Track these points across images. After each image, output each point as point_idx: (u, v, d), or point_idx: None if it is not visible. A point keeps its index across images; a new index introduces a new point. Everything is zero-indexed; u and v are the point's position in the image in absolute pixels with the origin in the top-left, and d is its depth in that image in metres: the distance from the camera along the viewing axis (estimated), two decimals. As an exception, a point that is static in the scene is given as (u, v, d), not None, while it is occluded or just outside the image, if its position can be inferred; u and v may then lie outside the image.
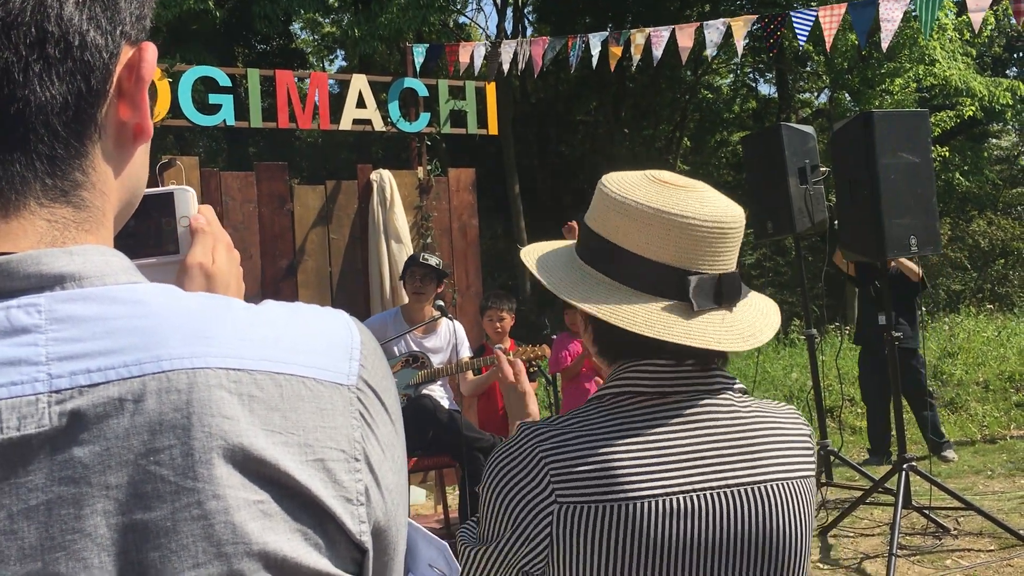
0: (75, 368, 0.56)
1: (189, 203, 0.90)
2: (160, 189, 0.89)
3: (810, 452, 1.27)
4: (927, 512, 5.62)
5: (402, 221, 6.22)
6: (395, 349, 5.20)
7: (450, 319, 5.28)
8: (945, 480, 6.31)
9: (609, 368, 1.27)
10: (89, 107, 0.63)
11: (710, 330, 1.20)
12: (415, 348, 5.21)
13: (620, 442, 1.16)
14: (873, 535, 5.68)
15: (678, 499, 1.15)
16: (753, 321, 1.26)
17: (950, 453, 7.75)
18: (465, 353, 5.32)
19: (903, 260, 7.19)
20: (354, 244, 6.24)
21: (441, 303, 5.09)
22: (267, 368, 0.60)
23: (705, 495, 1.16)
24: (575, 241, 1.36)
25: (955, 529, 5.58)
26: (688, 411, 1.20)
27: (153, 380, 0.57)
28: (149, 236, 0.89)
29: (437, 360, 5.23)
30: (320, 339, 0.65)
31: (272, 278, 5.95)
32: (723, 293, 1.22)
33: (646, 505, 1.14)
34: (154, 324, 0.59)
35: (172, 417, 0.56)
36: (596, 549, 1.13)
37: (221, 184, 5.81)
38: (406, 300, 5.39)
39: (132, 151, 0.68)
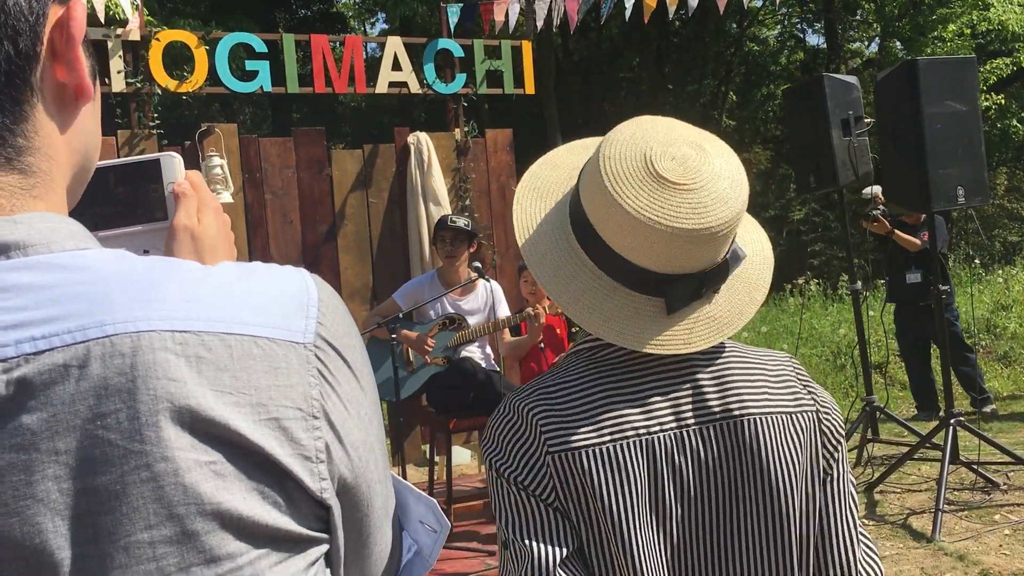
0: (20, 336, 0.57)
1: (176, 169, 0.90)
2: (146, 156, 0.90)
3: (795, 388, 1.25)
4: (975, 467, 5.54)
5: (440, 183, 6.22)
6: (432, 312, 5.23)
7: (487, 280, 5.29)
8: (995, 435, 6.21)
9: None
10: (20, 71, 0.63)
11: (681, 331, 1.19)
12: (452, 310, 5.23)
13: (599, 389, 1.19)
14: (920, 491, 5.62)
15: (659, 438, 1.17)
16: (732, 305, 1.23)
17: (991, 408, 7.62)
18: (503, 313, 5.32)
19: (898, 233, 7.16)
20: (392, 208, 6.26)
21: (478, 264, 5.09)
22: (215, 329, 0.60)
23: (683, 432, 1.18)
24: (572, 188, 1.29)
25: (1004, 484, 5.50)
26: (662, 357, 1.21)
27: (97, 345, 0.57)
28: (137, 204, 0.89)
29: (474, 321, 5.24)
30: (274, 298, 0.64)
31: (312, 243, 6.00)
32: (704, 290, 1.21)
33: (629, 445, 1.16)
34: (99, 289, 0.59)
35: (117, 381, 0.56)
36: (590, 494, 1.15)
37: (260, 150, 5.86)
38: (442, 263, 5.41)
39: (75, 112, 0.68)
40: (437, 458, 5.79)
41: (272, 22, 19.60)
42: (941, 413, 6.60)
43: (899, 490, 5.69)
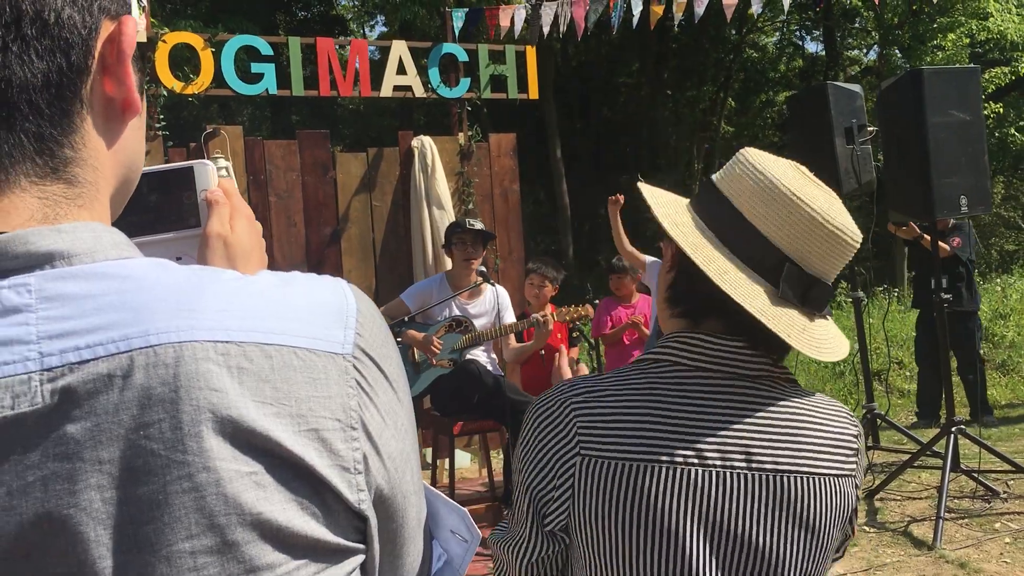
0: (65, 346, 0.57)
1: (209, 176, 0.90)
2: (179, 164, 0.90)
3: (850, 452, 1.23)
4: (976, 475, 5.56)
5: (444, 187, 6.23)
6: (439, 314, 5.24)
7: (493, 285, 5.30)
8: (995, 443, 6.23)
9: (666, 318, 1.29)
10: (71, 83, 0.63)
11: (784, 321, 1.19)
12: (459, 313, 5.24)
13: (650, 406, 1.18)
14: (920, 498, 5.64)
15: (698, 471, 1.15)
16: (827, 336, 1.24)
17: (989, 418, 7.64)
18: (508, 318, 5.34)
19: (927, 238, 7.13)
20: (396, 211, 6.27)
21: (483, 268, 5.10)
22: (256, 339, 0.60)
23: (726, 473, 1.16)
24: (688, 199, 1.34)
25: (1005, 492, 5.52)
26: (723, 389, 1.19)
27: (141, 355, 0.57)
28: (170, 211, 0.90)
29: (480, 325, 5.25)
30: (313, 308, 0.65)
31: (317, 246, 6.01)
32: (810, 297, 1.21)
33: (663, 471, 1.15)
34: (142, 299, 0.60)
35: (160, 391, 0.57)
36: (611, 506, 1.15)
37: (264, 153, 5.86)
38: (449, 266, 5.41)
39: (122, 126, 0.69)
40: (439, 462, 5.80)
41: (272, 24, 19.61)
42: (942, 422, 6.62)
43: (899, 497, 5.71)
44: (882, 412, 6.21)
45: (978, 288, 7.80)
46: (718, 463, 1.16)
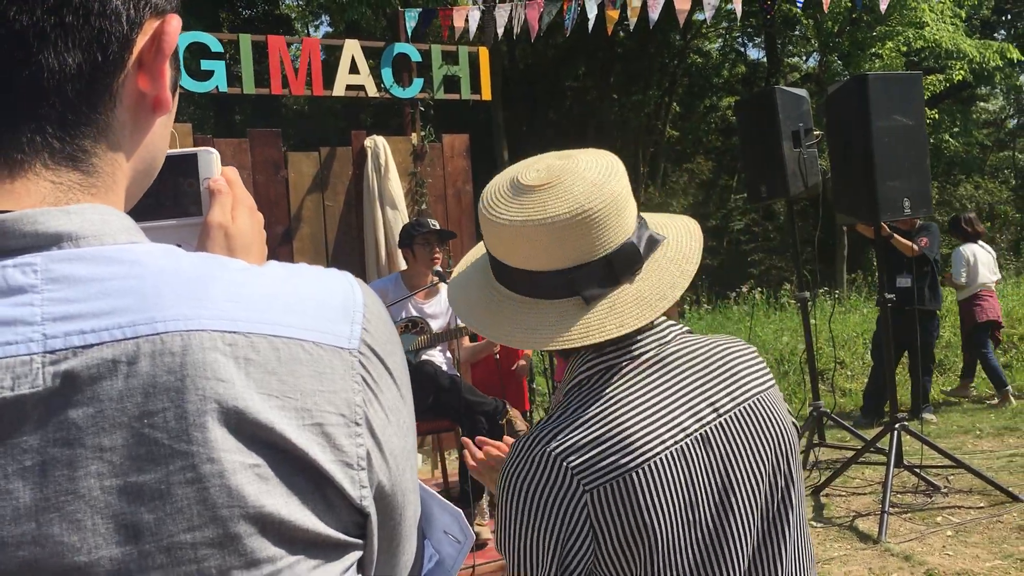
0: (69, 329, 0.56)
1: (212, 165, 0.89)
2: (184, 151, 0.89)
3: (764, 365, 1.33)
4: (918, 471, 5.71)
5: (397, 187, 6.21)
6: (395, 315, 5.22)
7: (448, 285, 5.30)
8: (935, 439, 6.41)
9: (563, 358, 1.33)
10: (105, 76, 0.63)
11: (610, 318, 1.21)
12: (415, 314, 5.23)
13: (618, 414, 1.20)
14: (865, 494, 5.78)
15: (684, 444, 1.20)
16: (661, 282, 1.24)
17: (929, 415, 7.85)
18: (462, 318, 5.34)
19: (897, 237, 7.31)
20: (349, 210, 6.23)
21: (439, 269, 5.10)
22: (264, 331, 0.60)
23: (705, 431, 1.22)
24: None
25: (946, 487, 5.69)
26: (663, 364, 1.25)
27: (147, 342, 0.56)
28: (172, 197, 0.89)
29: (436, 325, 5.25)
30: (321, 301, 0.64)
31: (268, 245, 5.93)
32: (616, 272, 1.22)
33: (660, 462, 1.18)
34: (149, 285, 0.59)
35: (166, 380, 0.56)
36: (632, 519, 1.16)
37: (215, 151, 5.79)
38: (403, 266, 5.39)
39: (150, 122, 0.68)
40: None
41: (216, 22, 19.34)
42: (885, 419, 6.78)
43: (845, 493, 5.84)
44: (828, 410, 6.34)
45: (941, 288, 8.02)
46: (695, 426, 1.21)
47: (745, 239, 22.50)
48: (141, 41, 0.64)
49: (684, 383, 1.23)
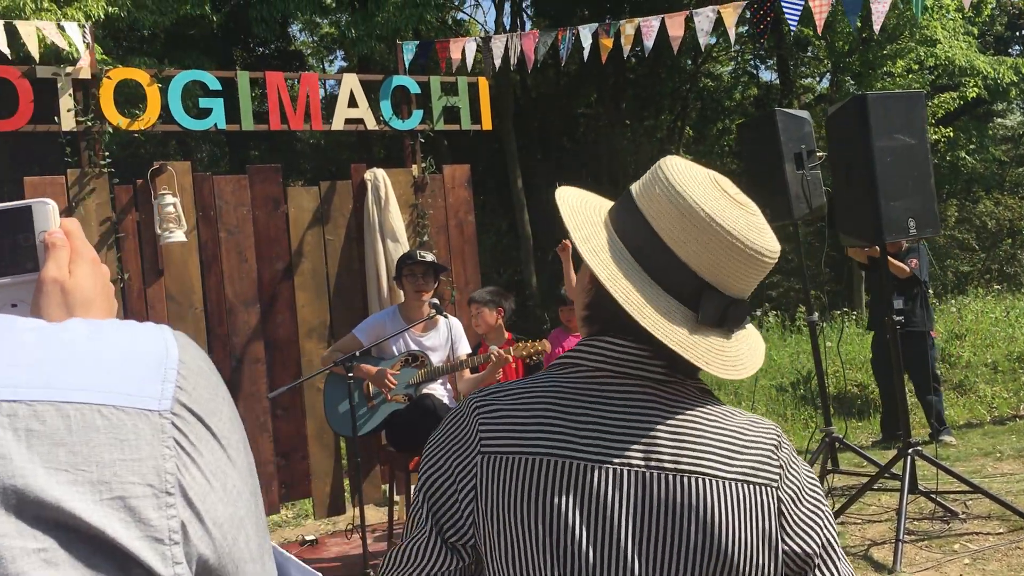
0: None
1: (49, 217, 0.84)
2: (16, 204, 0.84)
3: (766, 460, 1.18)
4: (934, 496, 5.57)
5: (398, 220, 6.19)
6: (394, 348, 5.18)
7: (446, 316, 5.26)
8: (953, 463, 6.27)
9: (585, 334, 1.28)
10: None
11: (703, 347, 1.19)
12: (414, 347, 5.18)
13: (551, 404, 1.19)
14: (881, 521, 5.64)
15: (593, 467, 1.14)
16: (743, 353, 1.24)
17: (949, 437, 7.71)
18: (463, 350, 5.29)
19: (891, 259, 7.25)
20: (350, 244, 6.21)
21: (436, 301, 5.06)
22: (51, 397, 0.55)
23: (624, 471, 1.14)
24: (610, 204, 1.33)
25: (963, 513, 5.54)
26: (626, 391, 1.19)
27: None
28: (7, 253, 0.83)
29: (436, 358, 5.20)
30: (126, 360, 0.59)
31: (269, 281, 5.93)
32: (728, 316, 1.21)
33: (561, 465, 1.14)
34: None
35: None
36: (510, 502, 1.14)
37: (214, 188, 5.79)
38: (403, 299, 5.36)
39: None
40: (397, 497, 5.71)
41: (230, 60, 19.55)
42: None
43: (860, 521, 5.71)
44: (840, 435, 6.22)
45: (933, 309, 7.93)
46: (616, 460, 1.15)
47: (763, 262, 22.35)
48: None
49: (635, 419, 1.17)
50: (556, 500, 1.13)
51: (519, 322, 5.41)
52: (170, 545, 0.57)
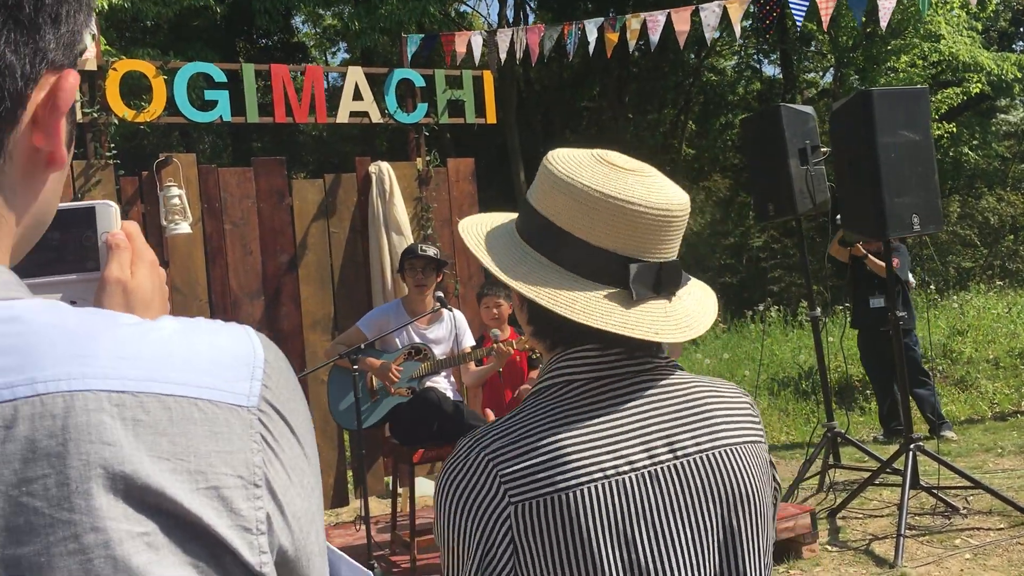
0: None
1: (111, 218, 0.87)
2: (81, 204, 0.87)
3: (754, 419, 1.27)
4: (936, 492, 5.59)
5: (402, 213, 6.20)
6: (397, 341, 5.20)
7: (450, 309, 5.27)
8: (954, 459, 6.28)
9: (545, 351, 1.26)
10: None
11: (647, 320, 1.18)
12: (417, 339, 5.20)
13: (562, 431, 1.15)
14: (882, 516, 5.66)
15: (629, 478, 1.14)
16: (691, 311, 1.23)
17: (949, 433, 7.73)
18: (467, 342, 5.31)
19: (871, 257, 7.29)
20: (354, 237, 6.23)
21: (441, 294, 5.08)
22: (154, 390, 0.57)
23: (656, 470, 1.16)
24: (515, 216, 1.32)
25: (964, 508, 5.56)
26: (627, 392, 1.19)
27: (26, 404, 0.54)
28: (69, 252, 0.86)
29: (439, 351, 5.22)
30: (217, 357, 0.61)
31: (273, 274, 5.94)
32: (663, 282, 1.20)
33: (597, 488, 1.12)
34: (30, 343, 0.56)
35: (46, 444, 0.53)
36: (557, 541, 1.11)
37: (219, 180, 5.81)
38: (407, 292, 5.38)
39: (43, 178, 0.66)
40: (400, 490, 5.73)
41: (233, 51, 19.55)
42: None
43: (861, 516, 5.73)
44: (842, 431, 6.24)
45: (915, 307, 7.96)
46: (646, 462, 1.15)
47: (764, 256, 22.34)
48: (37, 96, 0.62)
49: (647, 416, 1.18)
50: (603, 526, 1.12)
51: (512, 310, 5.43)
52: (257, 535, 0.59)
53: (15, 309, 0.58)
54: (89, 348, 0.57)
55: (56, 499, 0.53)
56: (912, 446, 5.32)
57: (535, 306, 1.21)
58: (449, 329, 5.29)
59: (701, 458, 1.18)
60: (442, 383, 5.26)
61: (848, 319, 7.93)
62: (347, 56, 24.43)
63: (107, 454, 0.54)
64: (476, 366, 5.33)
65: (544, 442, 1.14)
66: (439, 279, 5.24)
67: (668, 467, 1.16)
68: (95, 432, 0.54)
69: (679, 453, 1.17)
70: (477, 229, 1.31)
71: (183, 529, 0.56)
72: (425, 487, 6.62)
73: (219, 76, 5.93)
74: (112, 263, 0.84)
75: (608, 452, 1.14)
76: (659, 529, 1.15)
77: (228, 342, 0.63)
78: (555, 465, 1.12)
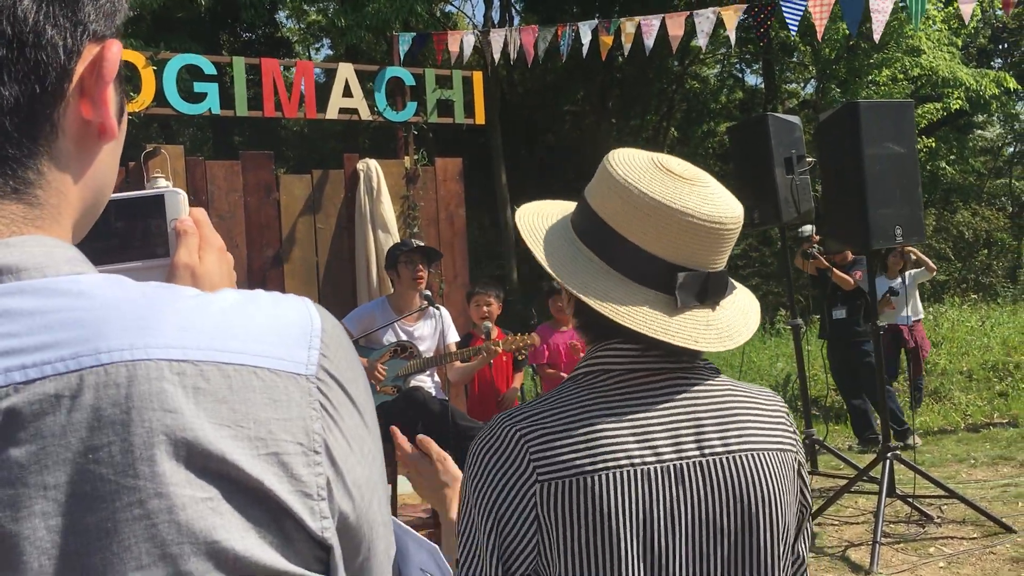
0: (10, 364, 0.54)
1: (180, 206, 0.89)
2: (150, 191, 0.89)
3: (787, 428, 1.28)
4: (911, 500, 5.66)
5: (389, 210, 6.20)
6: (384, 338, 5.20)
7: (437, 308, 5.28)
8: (928, 469, 6.36)
9: (588, 343, 1.29)
10: (44, 107, 0.61)
11: (689, 327, 1.20)
12: (403, 336, 5.20)
13: (595, 417, 1.18)
14: (858, 523, 5.73)
15: (654, 468, 1.17)
16: (733, 321, 1.26)
17: (912, 439, 7.83)
18: (452, 338, 5.32)
19: (836, 271, 7.43)
20: (341, 233, 6.22)
21: (428, 292, 5.08)
22: (214, 358, 0.58)
23: (681, 464, 1.18)
24: (569, 209, 1.34)
25: (939, 517, 5.63)
26: (662, 386, 1.22)
27: (91, 374, 0.55)
28: (138, 239, 0.88)
29: (425, 347, 5.22)
30: (276, 327, 0.62)
31: (259, 268, 5.92)
32: (708, 291, 1.23)
33: (622, 475, 1.15)
34: (94, 316, 0.57)
35: (111, 412, 0.54)
36: (581, 522, 1.14)
37: (207, 173, 5.78)
38: (392, 290, 5.38)
39: (96, 150, 0.67)
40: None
41: (217, 44, 19.42)
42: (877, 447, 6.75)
43: (837, 522, 5.79)
44: (820, 438, 6.30)
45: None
46: (671, 457, 1.18)
47: (742, 264, 22.50)
48: (81, 68, 0.63)
49: (679, 413, 1.20)
50: (625, 513, 1.15)
51: (500, 316, 5.44)
52: (318, 500, 0.60)
53: (81, 284, 0.59)
54: (152, 320, 0.58)
55: (121, 466, 0.54)
56: (889, 455, 5.39)
57: (583, 306, 1.24)
58: (435, 326, 5.30)
59: (727, 458, 1.20)
60: (427, 382, 5.27)
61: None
62: (331, 53, 24.35)
63: (169, 421, 0.55)
64: (461, 363, 5.34)
65: (576, 425, 1.17)
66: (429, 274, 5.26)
67: (693, 463, 1.18)
68: (157, 400, 0.55)
69: (706, 451, 1.19)
70: (532, 219, 1.33)
71: (245, 494, 0.57)
72: (404, 485, 6.62)
73: (209, 68, 5.91)
74: (181, 249, 0.86)
75: (637, 442, 1.17)
76: (677, 520, 1.17)
77: (286, 312, 0.64)
78: (584, 448, 1.15)
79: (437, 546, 0.83)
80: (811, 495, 1.33)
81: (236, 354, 0.59)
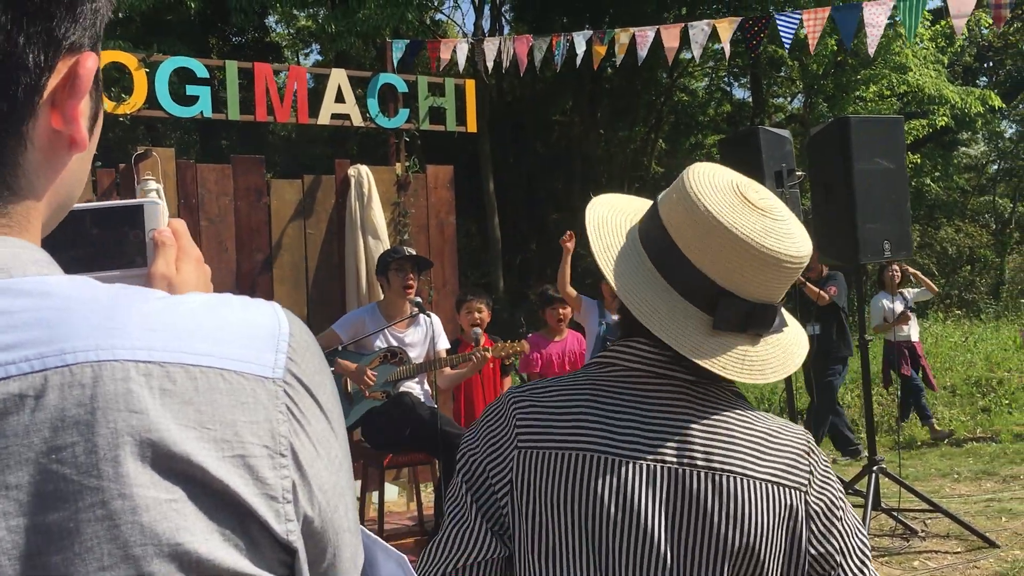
0: None
1: (159, 216, 0.88)
2: (130, 201, 0.88)
3: (796, 465, 1.21)
4: (896, 514, 5.69)
5: (379, 217, 6.20)
6: (374, 344, 5.19)
7: (427, 315, 5.28)
8: (912, 483, 6.39)
9: (619, 336, 1.33)
10: (13, 123, 0.61)
11: (719, 352, 1.19)
12: (394, 342, 5.20)
13: (587, 402, 1.22)
14: (842, 536, 5.74)
15: (627, 463, 1.17)
16: (769, 358, 1.24)
17: (860, 456, 7.88)
18: (442, 345, 5.32)
19: (809, 285, 7.41)
20: (331, 239, 6.21)
21: (418, 299, 5.08)
22: (181, 360, 0.58)
23: (656, 467, 1.17)
24: (646, 208, 1.34)
25: (923, 531, 5.66)
26: (663, 390, 1.22)
27: (56, 374, 0.55)
28: (116, 248, 0.87)
29: (415, 354, 5.22)
30: (243, 330, 0.62)
31: (248, 272, 5.90)
32: (751, 322, 1.21)
33: (595, 459, 1.17)
34: (60, 316, 0.57)
35: (75, 413, 0.54)
36: (542, 495, 1.18)
37: (197, 176, 5.76)
38: (382, 296, 5.37)
39: (65, 161, 0.66)
40: (367, 494, 5.71)
41: (206, 48, 19.37)
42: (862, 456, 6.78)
43: (822, 535, 5.80)
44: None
45: (850, 336, 8.11)
46: (649, 457, 1.18)
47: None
48: (53, 82, 0.62)
49: (671, 419, 1.20)
50: (590, 494, 1.16)
51: (488, 324, 5.45)
52: (283, 503, 0.60)
53: (47, 284, 0.59)
54: (118, 320, 0.58)
55: (84, 466, 0.53)
56: (875, 468, 5.42)
57: (624, 307, 1.27)
58: (425, 332, 5.29)
59: (705, 473, 1.17)
60: (416, 389, 5.26)
61: (815, 342, 8.07)
62: (320, 58, 24.33)
63: (135, 422, 0.55)
64: (451, 369, 5.34)
65: (564, 405, 1.23)
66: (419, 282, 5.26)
67: (668, 468, 1.17)
68: (124, 400, 0.55)
69: (684, 461, 1.17)
70: (602, 211, 1.35)
71: (210, 496, 0.56)
72: (389, 492, 6.60)
73: (201, 71, 5.89)
74: (158, 259, 0.85)
75: (618, 434, 1.19)
76: (632, 518, 1.16)
77: (255, 316, 0.64)
78: (564, 427, 1.20)
79: (405, 556, 0.83)
80: (839, 550, 1.21)
81: (203, 356, 0.59)
